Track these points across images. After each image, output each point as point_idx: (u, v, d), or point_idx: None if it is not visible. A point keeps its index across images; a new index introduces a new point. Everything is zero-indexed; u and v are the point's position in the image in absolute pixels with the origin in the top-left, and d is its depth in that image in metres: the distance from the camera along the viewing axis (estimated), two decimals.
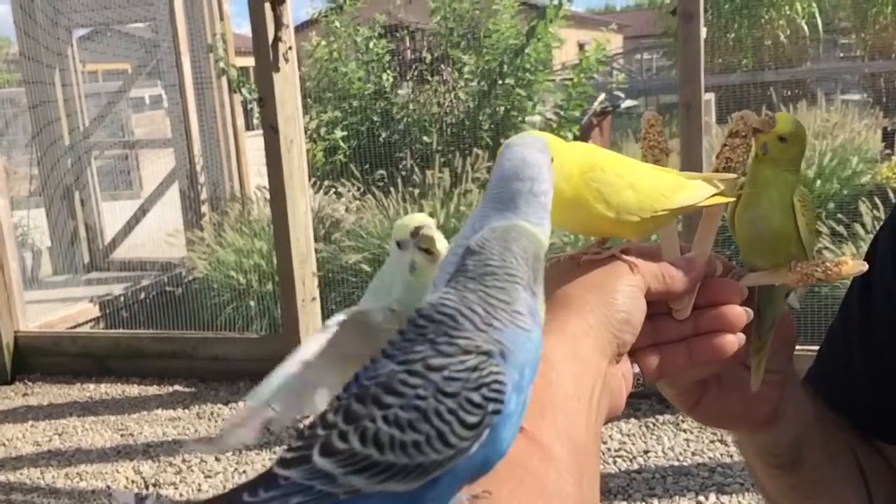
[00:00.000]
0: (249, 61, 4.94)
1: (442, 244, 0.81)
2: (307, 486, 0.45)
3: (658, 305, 0.69)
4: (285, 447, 0.48)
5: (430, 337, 0.47)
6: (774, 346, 0.76)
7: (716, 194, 0.73)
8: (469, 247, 0.51)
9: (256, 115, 6.22)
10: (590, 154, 0.71)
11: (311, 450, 0.45)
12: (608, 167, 0.69)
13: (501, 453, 0.47)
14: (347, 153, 6.94)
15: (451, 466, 0.45)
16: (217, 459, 4.26)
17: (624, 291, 0.65)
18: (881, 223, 0.91)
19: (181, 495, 3.96)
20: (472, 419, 0.45)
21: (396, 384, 0.45)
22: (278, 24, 4.50)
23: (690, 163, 4.02)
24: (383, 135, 7.00)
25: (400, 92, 7.22)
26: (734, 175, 0.74)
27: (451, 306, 0.48)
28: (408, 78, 7.27)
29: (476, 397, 0.45)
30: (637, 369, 0.69)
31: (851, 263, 0.71)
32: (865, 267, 0.72)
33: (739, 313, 0.71)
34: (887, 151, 6.43)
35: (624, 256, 0.68)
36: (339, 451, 0.44)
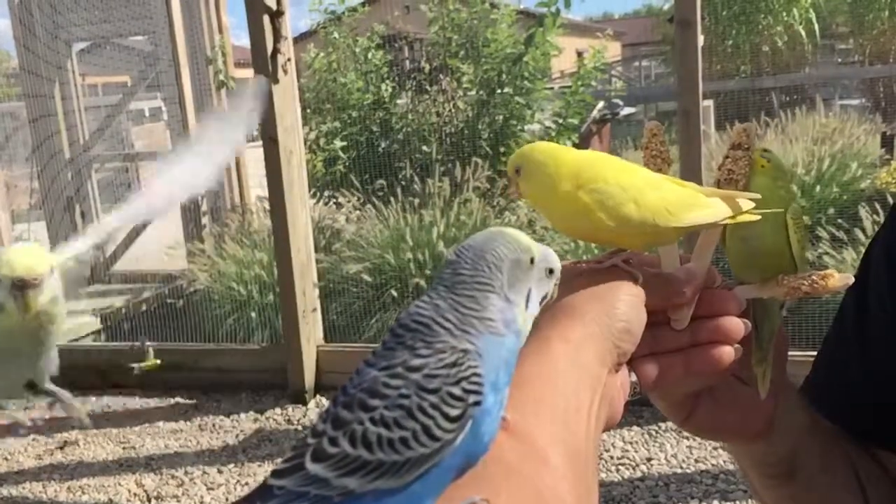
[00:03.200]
0: (249, 73, 4.96)
1: (44, 298, 0.79)
2: (303, 493, 0.46)
3: (656, 315, 0.69)
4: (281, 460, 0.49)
5: (408, 344, 0.49)
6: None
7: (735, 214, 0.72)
8: (447, 255, 0.53)
9: (256, 126, 6.23)
10: (595, 163, 0.70)
11: (303, 458, 0.47)
12: (612, 178, 0.69)
13: (484, 447, 0.49)
14: (347, 163, 6.94)
15: (439, 459, 0.47)
16: (219, 472, 4.25)
17: (625, 301, 0.65)
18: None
19: None
20: (454, 412, 0.47)
21: (380, 387, 0.47)
22: (277, 36, 4.51)
23: (689, 170, 4.03)
24: (383, 145, 7.00)
25: (399, 102, 7.23)
26: (757, 195, 0.72)
27: (426, 314, 0.50)
28: (407, 88, 7.28)
29: (457, 391, 0.47)
30: (634, 378, 0.69)
31: (838, 276, 0.72)
32: (851, 280, 0.72)
33: (737, 325, 0.71)
34: (887, 156, 6.44)
35: (625, 266, 0.68)
36: (330, 455, 0.46)
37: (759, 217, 0.72)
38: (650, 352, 0.69)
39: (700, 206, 0.71)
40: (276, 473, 0.47)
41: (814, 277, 0.72)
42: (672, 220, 0.69)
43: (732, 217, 0.71)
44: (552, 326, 0.63)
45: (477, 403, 0.48)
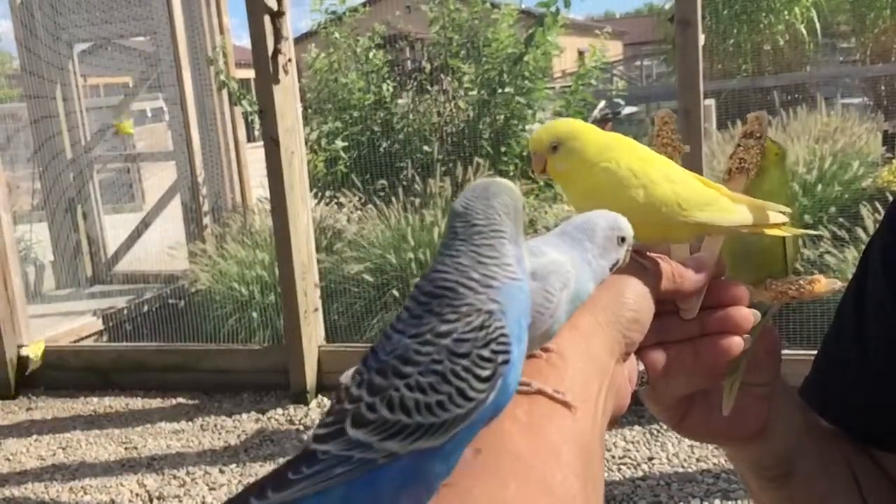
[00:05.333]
0: (250, 73, 4.96)
1: None
2: (347, 457, 0.49)
3: (665, 305, 0.69)
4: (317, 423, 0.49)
5: (434, 310, 0.51)
6: (760, 359, 0.76)
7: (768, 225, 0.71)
8: (454, 209, 0.55)
9: (257, 126, 6.24)
10: (617, 146, 0.70)
11: (344, 423, 0.49)
12: (626, 162, 0.69)
13: (508, 397, 0.52)
14: (348, 163, 6.95)
15: (474, 417, 0.50)
16: (221, 472, 4.25)
17: (634, 290, 0.65)
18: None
19: None
20: (485, 373, 0.49)
21: (412, 354, 0.50)
22: (278, 37, 4.51)
23: (690, 168, 4.01)
24: (384, 145, 7.00)
25: (400, 102, 7.22)
26: (788, 209, 0.72)
27: (450, 279, 0.52)
28: (408, 88, 7.28)
29: (486, 353, 0.50)
30: (642, 367, 0.68)
31: (825, 282, 0.72)
32: (838, 285, 0.72)
33: (746, 315, 0.71)
34: (888, 155, 6.42)
35: (635, 256, 0.68)
36: (370, 421, 0.49)
37: (788, 234, 0.72)
38: (658, 341, 0.69)
39: (718, 208, 0.70)
40: (318, 438, 0.49)
41: (801, 282, 0.72)
42: (682, 214, 0.69)
43: (755, 226, 0.71)
44: None
45: (505, 362, 0.50)
